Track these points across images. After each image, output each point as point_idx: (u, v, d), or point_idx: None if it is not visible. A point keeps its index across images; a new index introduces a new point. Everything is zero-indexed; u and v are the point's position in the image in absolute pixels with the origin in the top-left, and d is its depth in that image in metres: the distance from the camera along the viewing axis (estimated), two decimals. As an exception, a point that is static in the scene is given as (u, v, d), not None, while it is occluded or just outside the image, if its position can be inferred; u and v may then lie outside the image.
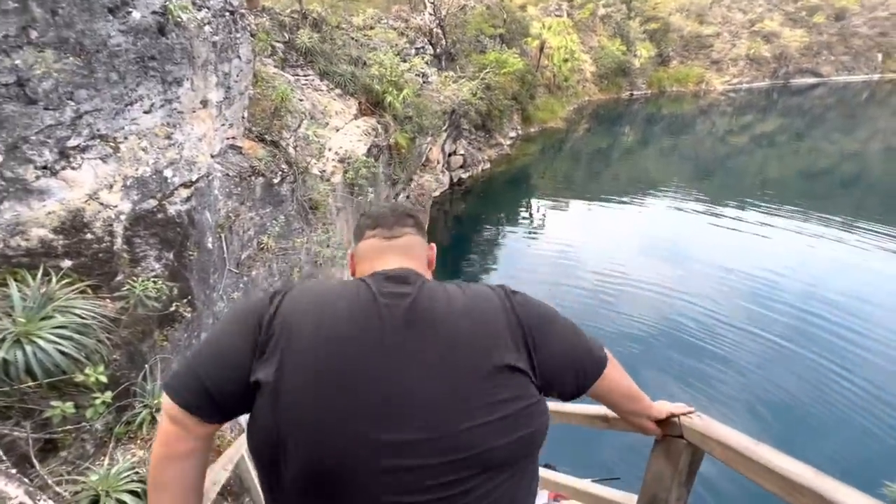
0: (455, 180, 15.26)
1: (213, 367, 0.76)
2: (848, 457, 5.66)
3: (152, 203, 3.35)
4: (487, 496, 0.71)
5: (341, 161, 6.83)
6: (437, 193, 13.40)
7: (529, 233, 13.55)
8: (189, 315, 3.34)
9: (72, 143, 2.86)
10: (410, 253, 0.94)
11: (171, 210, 3.46)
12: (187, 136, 3.81)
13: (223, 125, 4.51)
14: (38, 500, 1.33)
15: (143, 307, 2.62)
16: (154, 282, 2.75)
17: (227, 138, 4.72)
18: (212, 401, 0.76)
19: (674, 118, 31.24)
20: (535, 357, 0.77)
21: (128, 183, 3.18)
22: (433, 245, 1.02)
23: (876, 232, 12.47)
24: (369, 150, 7.60)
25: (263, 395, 0.72)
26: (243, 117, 4.99)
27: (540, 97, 23.50)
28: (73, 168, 2.87)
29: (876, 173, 21.25)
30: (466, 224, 13.81)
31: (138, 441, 2.51)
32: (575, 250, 11.74)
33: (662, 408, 1.12)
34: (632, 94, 32.33)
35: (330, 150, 6.77)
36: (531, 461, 0.80)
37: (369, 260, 0.93)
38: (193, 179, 3.80)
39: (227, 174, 4.50)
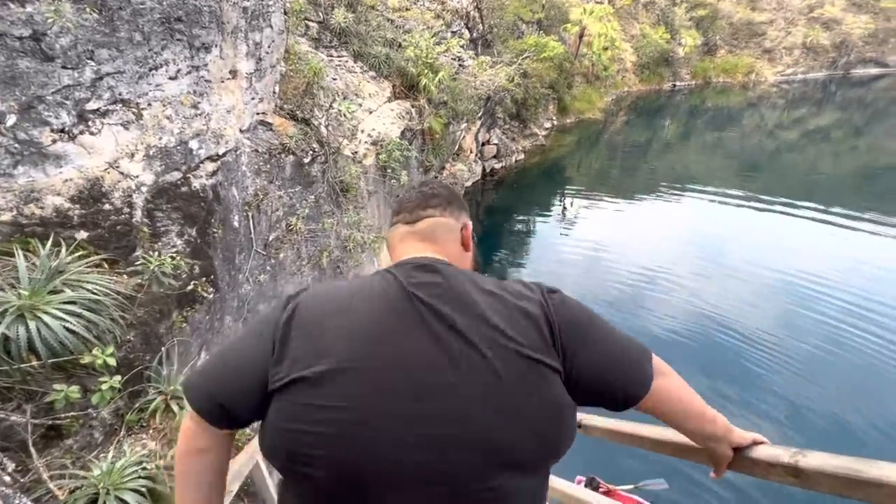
0: (488, 170, 14.82)
1: (225, 379, 0.76)
2: None
3: (176, 175, 3.15)
4: (509, 497, 0.69)
5: (374, 143, 6.55)
6: (468, 183, 13.02)
7: (562, 227, 13.09)
8: (211, 296, 3.12)
9: (91, 105, 2.66)
10: (433, 238, 0.88)
11: (196, 184, 3.25)
12: (215, 107, 3.59)
13: (253, 99, 4.29)
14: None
15: (158, 284, 2.40)
16: (172, 257, 2.52)
17: (257, 113, 4.49)
18: (224, 411, 0.76)
19: (719, 111, 29.71)
20: (568, 361, 0.73)
21: (150, 153, 2.97)
22: (468, 224, 0.93)
23: None
24: (402, 133, 7.30)
25: (284, 400, 0.71)
26: (274, 92, 4.76)
27: (577, 87, 22.67)
28: (91, 133, 2.66)
29: (940, 172, 19.56)
30: (498, 216, 13.40)
31: (150, 430, 2.30)
32: (608, 247, 11.33)
33: (746, 434, 0.90)
34: (674, 86, 30.86)
35: (363, 131, 6.50)
36: (549, 468, 0.76)
37: (395, 248, 0.90)
38: (220, 153, 3.58)
39: (257, 150, 4.27)
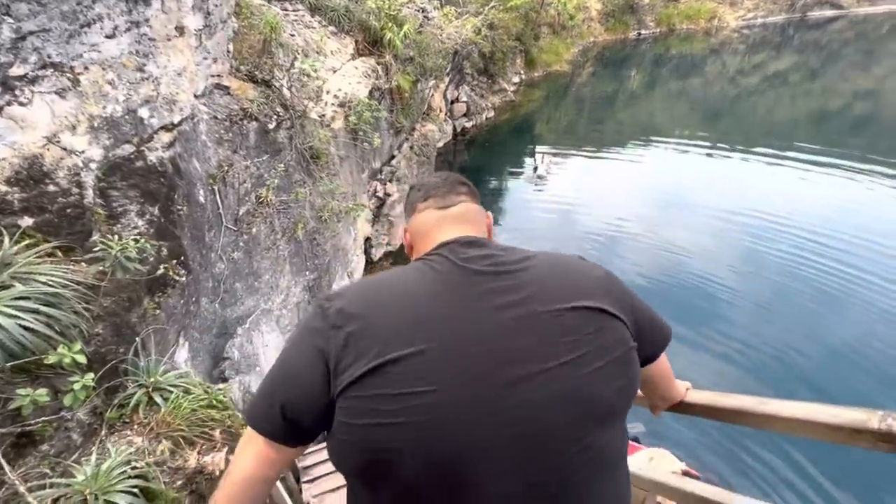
0: (458, 130, 14.46)
1: (287, 387, 0.74)
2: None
3: (128, 149, 2.83)
4: (602, 452, 0.69)
5: (341, 105, 6.16)
6: (440, 144, 12.68)
7: (535, 184, 13.11)
8: (183, 278, 2.90)
9: (16, 71, 2.30)
10: (470, 220, 0.88)
11: (152, 157, 2.94)
12: (163, 70, 3.21)
13: (205, 59, 3.88)
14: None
15: (123, 271, 2.17)
16: (136, 240, 2.28)
17: (212, 75, 4.09)
18: (289, 423, 0.73)
19: (682, 59, 29.78)
20: (624, 307, 0.75)
21: (95, 124, 2.64)
22: (489, 213, 0.96)
23: (886, 175, 12.25)
24: (371, 93, 6.90)
25: (353, 397, 0.67)
26: (228, 52, 4.33)
27: (544, 38, 22.10)
28: (21, 104, 2.32)
29: (890, 112, 20.50)
30: (471, 176, 12.77)
31: (135, 426, 2.15)
32: (579, 201, 11.54)
33: (683, 390, 1.09)
34: (639, 34, 30.53)
35: (328, 92, 6.09)
36: (625, 416, 0.76)
37: (427, 233, 0.87)
38: (175, 122, 3.25)
39: (215, 117, 3.91)
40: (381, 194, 8.81)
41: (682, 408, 1.06)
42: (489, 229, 0.92)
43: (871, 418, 0.72)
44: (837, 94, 24.31)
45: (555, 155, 15.04)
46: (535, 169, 14.01)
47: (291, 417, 0.72)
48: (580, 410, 0.66)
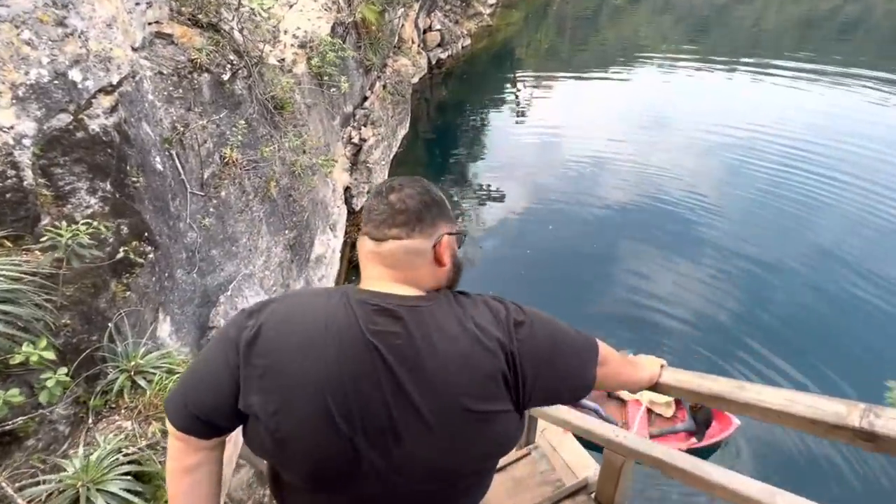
0: (434, 62, 13.61)
1: (199, 394, 0.80)
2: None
3: (65, 119, 2.56)
4: (456, 496, 0.82)
5: (302, 46, 5.66)
6: (415, 80, 11.96)
7: (517, 115, 12.69)
8: (151, 255, 2.77)
9: None
10: (399, 266, 0.81)
11: (94, 126, 2.68)
12: (89, 22, 2.83)
13: (137, 4, 3.44)
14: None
15: (78, 259, 2.04)
16: (88, 223, 2.13)
17: (149, 23, 3.66)
18: (205, 424, 0.80)
19: (669, -34, 27.81)
20: (525, 388, 0.77)
21: (20, 93, 2.36)
22: (444, 239, 0.83)
23: (873, 79, 12.10)
24: (333, 29, 6.33)
25: (253, 422, 0.76)
26: (164, -8, 3.84)
27: (520, -50, 20.25)
28: (-75, 77, 2.04)
29: (877, 15, 19.80)
30: (450, 112, 12.67)
31: (122, 411, 2.14)
32: (562, 129, 11.28)
33: (654, 370, 1.10)
34: (623, -60, 28.09)
35: (286, 32, 5.56)
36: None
37: (362, 264, 0.85)
38: (114, 82, 2.93)
39: (161, 72, 3.56)
40: (356, 140, 8.42)
41: (659, 389, 1.04)
42: (439, 257, 0.82)
43: (852, 413, 0.69)
44: (825, -1, 23.27)
45: (537, 81, 14.41)
46: (517, 97, 13.47)
47: (203, 418, 0.79)
48: (438, 479, 0.77)
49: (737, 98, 12.48)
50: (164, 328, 3.12)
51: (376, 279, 0.81)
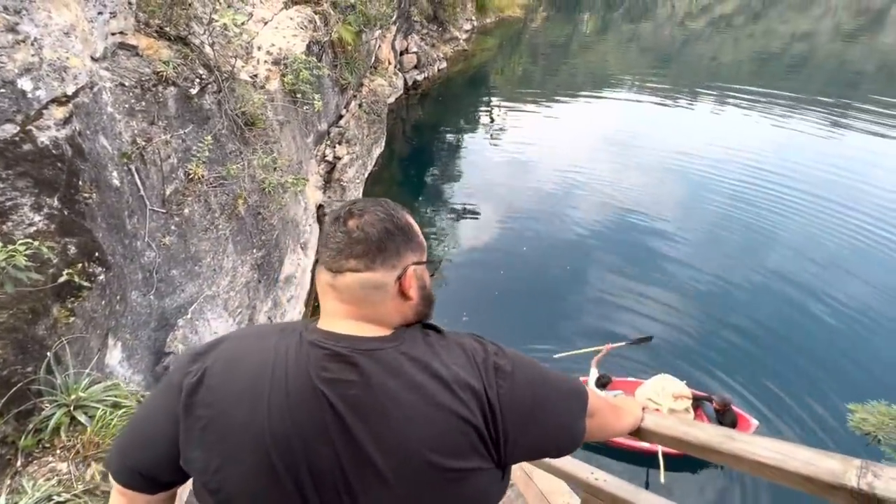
0: (410, 83, 13.74)
1: (139, 447, 0.75)
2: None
3: (10, 129, 2.39)
4: None
5: (276, 63, 5.58)
6: (391, 100, 12.02)
7: (491, 137, 12.93)
8: (102, 276, 2.58)
9: None
10: (357, 302, 0.72)
11: (43, 138, 2.51)
12: (45, 29, 2.69)
13: (101, 14, 3.30)
14: None
15: (13, 283, 1.86)
16: (28, 243, 1.95)
17: (113, 33, 3.51)
18: (147, 479, 0.74)
19: (634, 2, 29.59)
20: (505, 450, 0.69)
21: (-40, 101, 2.18)
22: (409, 271, 0.74)
23: (818, 110, 13.10)
24: (309, 47, 6.29)
25: (195, 480, 0.70)
26: (130, 3, 3.71)
27: (495, -20, 21.01)
28: None
29: (823, 53, 21.45)
30: (426, 132, 12.77)
31: (57, 451, 1.93)
32: (535, 153, 11.51)
33: (638, 415, 1.03)
34: (592, -25, 29.70)
35: (259, 48, 5.47)
36: None
37: (320, 295, 0.76)
38: (69, 93, 2.77)
39: (122, 84, 3.40)
40: (330, 158, 8.32)
41: (642, 435, 0.98)
42: (404, 290, 0.73)
43: (848, 471, 0.63)
44: (777, 37, 25.11)
45: (511, 105, 14.76)
46: (491, 120, 13.72)
47: (145, 473, 0.73)
48: None
49: (698, 124, 13.21)
50: (114, 355, 2.90)
51: (333, 316, 0.73)
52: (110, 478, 0.77)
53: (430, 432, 0.65)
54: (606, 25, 27.42)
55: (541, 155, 11.36)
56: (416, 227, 0.78)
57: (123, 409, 2.10)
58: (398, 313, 0.74)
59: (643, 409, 1.02)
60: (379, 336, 0.71)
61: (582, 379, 5.09)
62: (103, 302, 2.61)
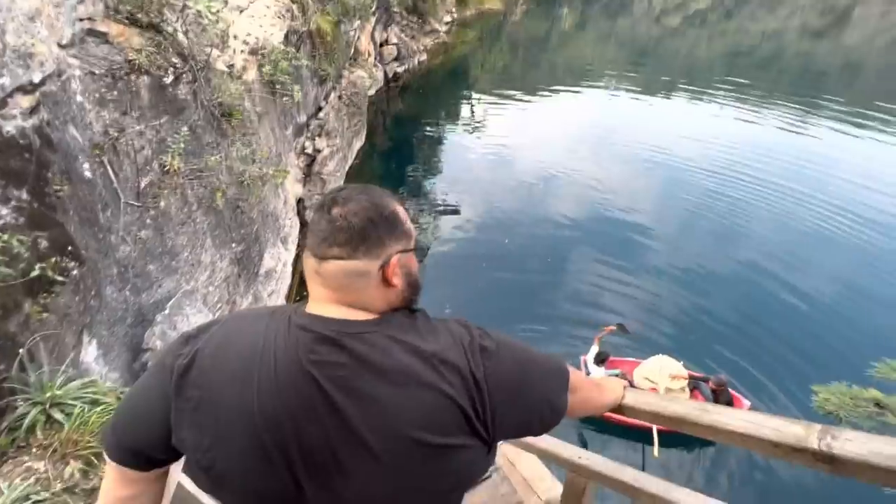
0: (391, 75, 13.62)
1: (132, 426, 0.77)
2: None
3: (-27, 118, 2.29)
4: None
5: (253, 53, 5.45)
6: (371, 92, 11.89)
7: (472, 130, 12.97)
8: (75, 271, 2.50)
9: None
10: (341, 288, 0.73)
11: (10, 127, 2.41)
12: (7, 14, 2.57)
13: (67, -2, 3.17)
14: None
15: (-17, 278, 1.80)
16: (-2, 237, 1.88)
17: (81, 19, 3.38)
18: (140, 456, 0.76)
19: (612, -4, 29.93)
20: (492, 426, 0.71)
21: (-83, 88, 2.08)
22: (393, 259, 0.74)
23: (786, 105, 13.63)
24: (286, 37, 6.16)
25: (187, 458, 0.73)
26: (99, -12, 3.57)
27: (475, -27, 20.93)
28: None
29: (791, 51, 22.20)
30: (406, 125, 12.70)
31: (33, 450, 1.87)
32: (515, 146, 11.59)
33: (619, 392, 1.08)
34: (571, -31, 29.90)
35: (235, 37, 5.33)
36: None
37: (307, 280, 0.78)
38: (36, 81, 2.67)
39: (92, 73, 3.27)
40: (310, 151, 8.20)
41: (623, 411, 1.03)
42: (388, 278, 0.73)
43: (811, 435, 0.70)
44: (748, 34, 25.83)
45: (491, 98, 14.80)
46: (472, 112, 13.73)
47: (138, 451, 0.75)
48: None
49: (673, 118, 13.54)
50: (90, 352, 2.82)
51: (319, 301, 0.74)
52: (104, 455, 0.79)
53: (417, 411, 0.67)
54: (585, 20, 27.68)
55: (521, 148, 11.45)
56: (403, 214, 0.78)
57: (102, 406, 2.06)
58: (383, 300, 0.75)
59: (624, 387, 1.06)
60: (366, 320, 0.72)
61: (582, 356, 5.33)
62: (77, 297, 2.53)
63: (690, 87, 15.92)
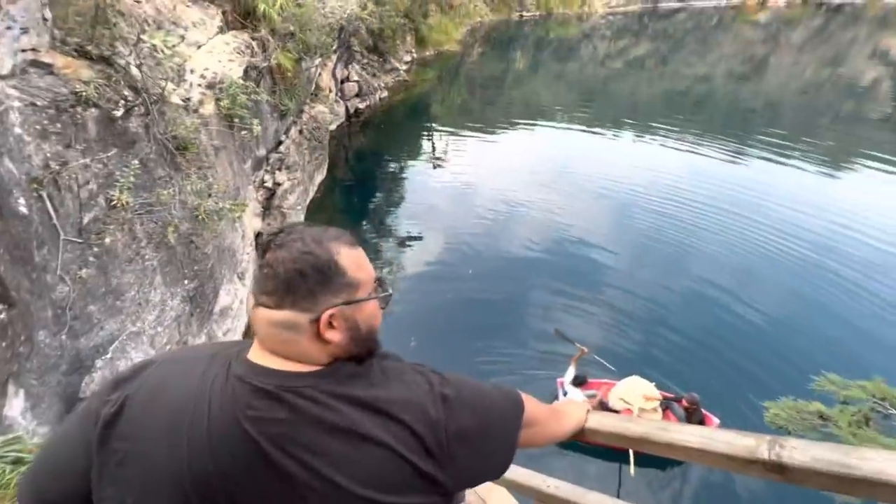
0: (352, 111, 13.81)
1: (50, 477, 0.72)
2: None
3: None
4: None
5: (210, 87, 5.39)
6: (333, 127, 11.98)
7: (432, 165, 13.26)
8: (4, 315, 2.29)
9: None
10: (270, 339, 0.68)
11: (-65, 160, 2.24)
12: (-59, 42, 2.44)
13: (10, 29, 3.05)
14: None
15: None
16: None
17: (23, 50, 3.25)
18: None
19: (560, 42, 32.26)
20: (452, 480, 0.68)
21: None
22: (325, 315, 0.67)
23: (721, 139, 14.97)
24: (246, 72, 6.16)
25: None
26: (45, 19, 3.47)
27: (433, 16, 21.98)
28: None
29: (720, 94, 24.51)
30: (368, 159, 12.83)
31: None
32: (474, 181, 11.94)
33: (581, 416, 1.06)
34: (521, 16, 32.27)
35: (192, 72, 5.27)
36: None
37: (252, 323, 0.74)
38: (-31, 111, 2.51)
39: (34, 104, 3.13)
40: (269, 184, 8.07)
41: (587, 435, 1.03)
42: (321, 332, 0.67)
43: (760, 445, 0.72)
44: (682, 78, 28.33)
45: (451, 134, 15.27)
46: (433, 148, 14.05)
47: (56, 500, 0.71)
48: None
49: (621, 152, 14.53)
50: (15, 405, 2.55)
51: (261, 348, 0.69)
52: None
53: (364, 469, 0.63)
54: (537, 63, 29.49)
55: (480, 181, 11.81)
56: (350, 262, 0.70)
57: (27, 466, 1.84)
58: (322, 353, 0.68)
59: (587, 410, 1.07)
60: (308, 372, 0.67)
61: (558, 379, 5.36)
62: (4, 344, 2.31)
63: (635, 123, 17.21)
